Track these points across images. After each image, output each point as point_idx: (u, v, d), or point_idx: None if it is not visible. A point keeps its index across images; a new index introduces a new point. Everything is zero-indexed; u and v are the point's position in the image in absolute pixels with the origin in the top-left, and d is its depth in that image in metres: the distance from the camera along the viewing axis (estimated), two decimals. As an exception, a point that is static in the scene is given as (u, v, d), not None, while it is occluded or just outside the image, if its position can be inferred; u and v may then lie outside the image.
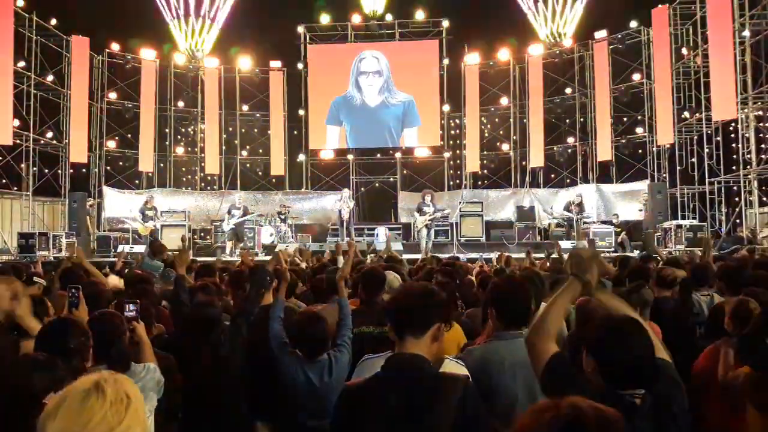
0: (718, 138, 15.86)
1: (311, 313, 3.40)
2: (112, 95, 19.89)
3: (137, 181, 20.22)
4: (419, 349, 2.00)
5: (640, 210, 16.79)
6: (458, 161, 21.72)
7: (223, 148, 21.39)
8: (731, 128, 15.89)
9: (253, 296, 3.72)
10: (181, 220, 16.48)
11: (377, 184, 21.90)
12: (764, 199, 14.81)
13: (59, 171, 17.89)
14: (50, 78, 17.35)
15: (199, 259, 12.82)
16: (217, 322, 3.52)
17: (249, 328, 3.57)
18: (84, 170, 19.23)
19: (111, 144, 19.95)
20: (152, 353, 2.90)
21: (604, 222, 16.64)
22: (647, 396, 1.92)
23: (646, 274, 4.97)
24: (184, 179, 21.53)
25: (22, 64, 16.15)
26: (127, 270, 7.14)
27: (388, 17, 21.33)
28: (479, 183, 21.38)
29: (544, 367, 2.01)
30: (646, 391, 1.93)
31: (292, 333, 3.31)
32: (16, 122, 15.77)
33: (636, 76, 18.84)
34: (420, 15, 21.11)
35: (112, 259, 13.38)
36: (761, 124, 15.24)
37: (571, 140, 20.39)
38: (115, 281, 5.78)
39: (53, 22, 17.44)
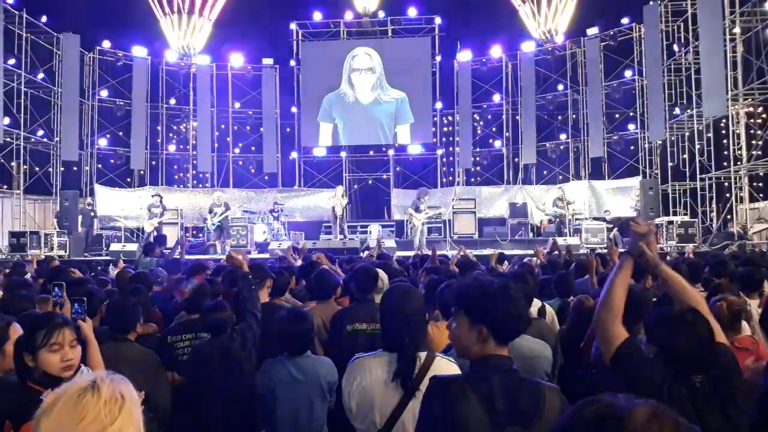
0: (709, 134, 15.95)
1: (297, 312, 3.42)
2: (104, 93, 19.81)
3: (129, 179, 20.15)
4: (505, 351, 1.98)
5: (632, 207, 16.87)
6: (451, 158, 21.76)
7: (216, 145, 21.33)
8: (722, 124, 15.99)
9: (248, 296, 3.74)
10: (174, 218, 16.43)
11: (370, 182, 21.90)
12: (755, 194, 14.90)
13: (50, 169, 17.82)
14: (41, 76, 17.28)
15: (191, 257, 12.84)
16: (228, 324, 3.62)
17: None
18: (75, 168, 19.15)
19: (102, 142, 19.88)
20: (98, 352, 2.82)
21: (596, 218, 16.72)
22: (706, 379, 2.07)
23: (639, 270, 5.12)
24: (177, 177, 21.46)
25: (12, 61, 16.07)
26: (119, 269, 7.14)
27: (381, 14, 21.34)
28: (472, 180, 21.42)
29: (616, 351, 2.17)
30: (705, 374, 2.08)
31: (277, 329, 3.33)
32: (7, 120, 15.69)
33: (628, 73, 18.93)
34: (412, 12, 21.13)
35: (105, 258, 13.39)
36: (751, 121, 15.34)
37: (563, 137, 20.47)
38: None
39: (44, 19, 17.36)
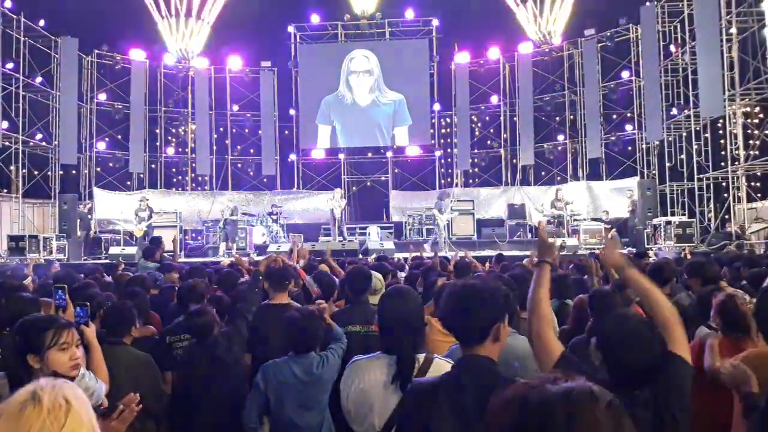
0: (707, 134, 15.96)
1: (307, 310, 3.44)
2: (102, 96, 19.81)
3: (128, 183, 20.14)
4: (486, 352, 1.96)
5: (627, 207, 16.87)
6: (449, 159, 21.77)
7: (214, 148, 21.34)
8: (719, 125, 16.00)
9: (247, 297, 3.79)
10: (172, 221, 16.42)
11: (369, 183, 21.91)
12: (752, 194, 14.91)
13: (49, 173, 17.79)
14: (39, 79, 17.25)
15: (190, 260, 12.87)
16: (211, 327, 3.62)
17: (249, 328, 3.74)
18: (74, 172, 19.13)
19: (101, 145, 19.87)
20: (101, 356, 2.85)
21: (594, 219, 16.73)
22: (646, 392, 2.00)
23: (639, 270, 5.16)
24: (175, 180, 21.46)
25: (10, 65, 16.05)
26: (118, 272, 7.16)
27: (378, 16, 21.33)
28: (470, 181, 21.44)
29: (555, 366, 2.09)
30: (649, 387, 2.01)
31: (288, 327, 3.34)
32: (5, 124, 15.68)
33: (625, 74, 18.95)
34: (410, 14, 21.14)
35: (104, 261, 13.39)
36: (748, 121, 15.36)
37: (561, 138, 20.49)
38: None
39: (42, 23, 17.32)
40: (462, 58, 21.01)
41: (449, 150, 21.82)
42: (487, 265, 7.71)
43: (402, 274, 6.62)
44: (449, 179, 21.57)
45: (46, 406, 1.24)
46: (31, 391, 1.27)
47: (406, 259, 9.36)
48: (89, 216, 16.98)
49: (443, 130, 22.04)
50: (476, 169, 21.60)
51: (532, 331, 2.20)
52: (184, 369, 3.64)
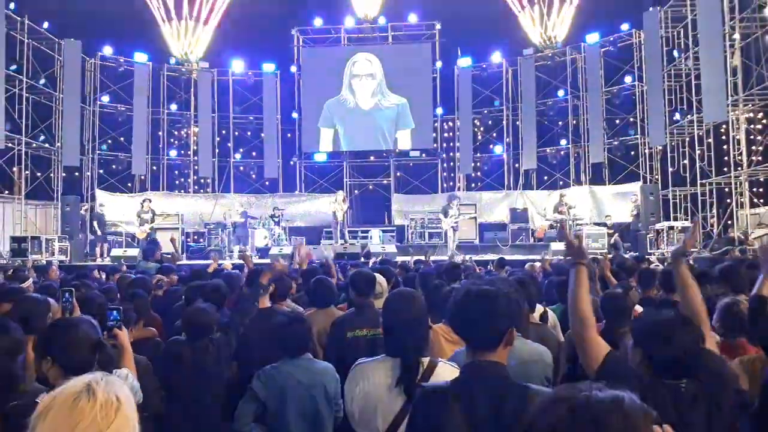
0: (709, 140, 15.94)
1: (292, 314, 3.45)
2: (105, 98, 19.82)
3: (130, 185, 20.14)
4: (496, 357, 1.90)
5: (631, 212, 16.85)
6: (451, 163, 21.77)
7: (217, 151, 21.35)
8: (722, 130, 15.99)
9: (246, 308, 3.76)
10: (175, 223, 16.42)
11: (371, 187, 21.90)
12: (755, 200, 14.89)
13: (52, 175, 17.81)
14: (42, 81, 17.28)
15: (191, 262, 12.85)
16: (208, 328, 3.58)
17: (239, 336, 3.72)
18: (77, 174, 19.15)
19: (104, 147, 19.89)
20: (132, 360, 2.91)
21: (596, 224, 16.71)
22: (690, 384, 2.08)
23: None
24: (177, 182, 21.47)
25: (14, 67, 16.08)
26: (119, 275, 7.15)
27: (382, 20, 21.38)
28: (472, 185, 21.42)
29: (601, 366, 2.17)
30: (690, 380, 2.09)
31: (274, 332, 3.32)
32: (9, 126, 15.69)
33: (628, 79, 18.93)
34: (413, 18, 21.18)
35: (107, 263, 13.39)
36: (751, 126, 15.34)
37: (563, 142, 20.47)
38: None
39: (45, 25, 17.38)
40: (465, 61, 21.03)
41: (451, 154, 21.82)
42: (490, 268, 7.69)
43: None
44: (451, 183, 21.56)
45: (99, 401, 1.27)
46: (86, 383, 1.30)
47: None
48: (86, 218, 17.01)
49: (446, 134, 22.04)
50: (478, 173, 21.60)
51: (574, 333, 2.30)
52: (167, 363, 3.55)
